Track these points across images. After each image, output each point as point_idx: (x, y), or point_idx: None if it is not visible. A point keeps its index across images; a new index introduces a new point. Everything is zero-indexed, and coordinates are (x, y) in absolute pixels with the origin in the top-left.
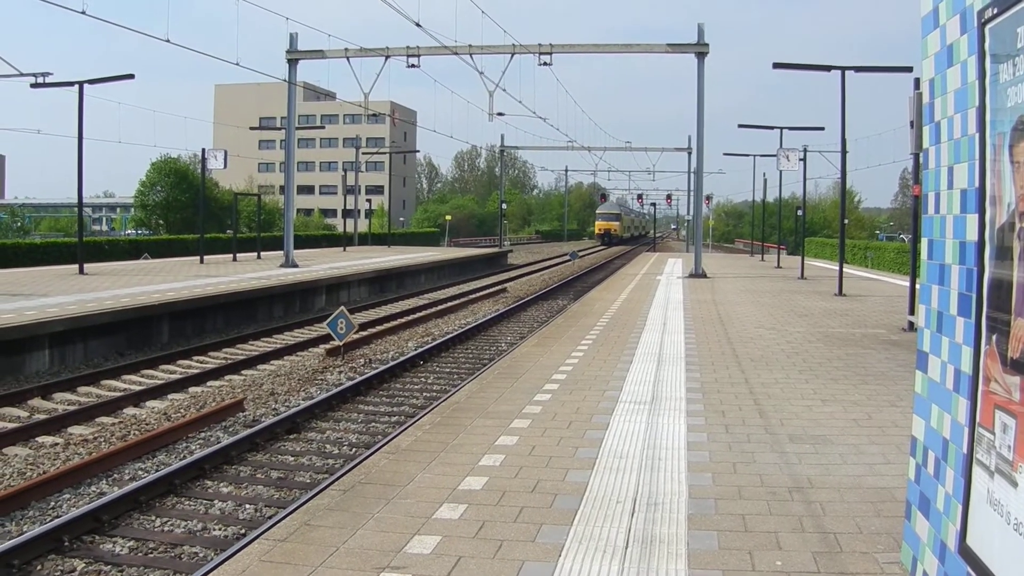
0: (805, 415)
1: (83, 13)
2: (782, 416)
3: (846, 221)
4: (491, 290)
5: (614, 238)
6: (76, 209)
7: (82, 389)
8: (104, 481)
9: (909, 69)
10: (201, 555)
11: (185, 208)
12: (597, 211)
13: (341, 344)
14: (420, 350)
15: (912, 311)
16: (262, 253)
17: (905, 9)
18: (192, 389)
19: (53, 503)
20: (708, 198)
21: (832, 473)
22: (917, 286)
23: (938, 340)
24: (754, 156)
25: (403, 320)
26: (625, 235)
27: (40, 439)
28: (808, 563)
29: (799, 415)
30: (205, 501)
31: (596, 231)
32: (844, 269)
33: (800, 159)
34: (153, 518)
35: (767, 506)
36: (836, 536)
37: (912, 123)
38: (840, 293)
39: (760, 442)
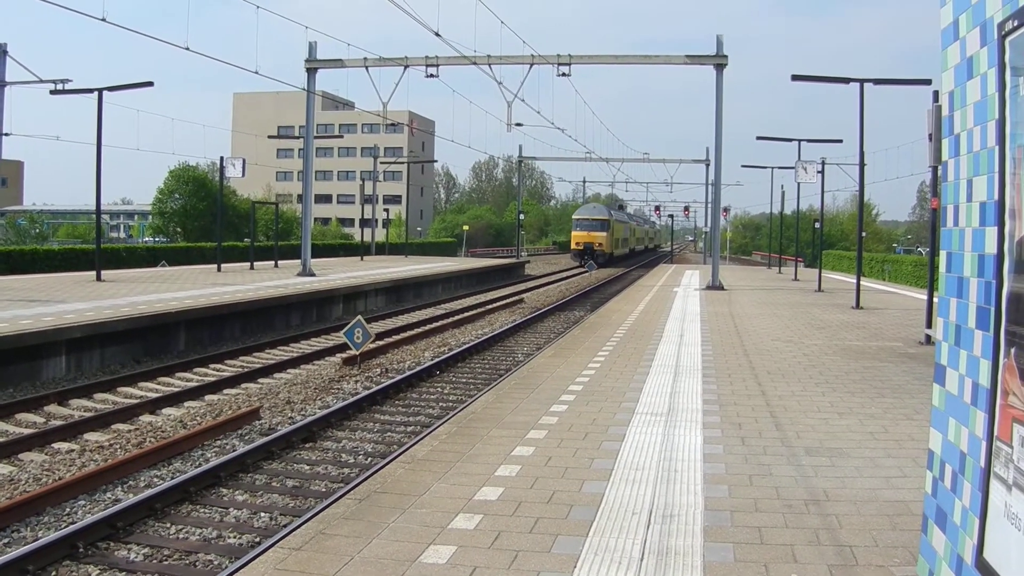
0: (821, 428)
1: (103, 20)
2: (798, 428)
3: (864, 234)
4: (508, 300)
5: (599, 256)
6: (94, 216)
7: (98, 396)
8: (120, 488)
9: (928, 82)
10: (216, 563)
11: (203, 216)
12: (574, 216)
13: (358, 353)
14: (437, 360)
15: (929, 324)
16: (279, 262)
17: (925, 23)
18: (208, 397)
19: (68, 509)
20: (726, 210)
21: (848, 486)
22: (935, 299)
23: (956, 353)
24: (772, 168)
25: (420, 330)
26: (619, 251)
27: (56, 445)
28: None
29: (815, 428)
30: (220, 509)
31: (572, 245)
32: (861, 282)
33: (818, 171)
34: (168, 525)
35: (783, 519)
36: (852, 549)
37: (930, 136)
38: (857, 306)
39: (776, 454)
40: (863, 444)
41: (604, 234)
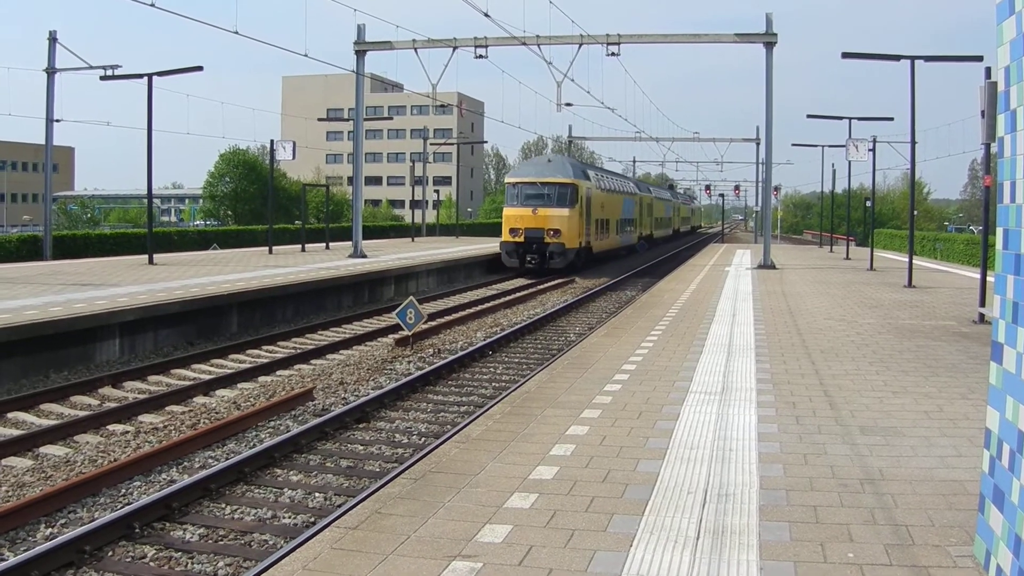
0: (876, 407)
1: (152, 5)
2: (853, 408)
3: (915, 212)
4: (559, 280)
5: (556, 254)
6: (145, 200)
7: (152, 378)
8: (174, 469)
9: (980, 58)
10: (271, 542)
11: (253, 199)
12: (507, 180)
13: (410, 334)
14: (489, 340)
15: (983, 303)
16: (330, 244)
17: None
18: (262, 378)
19: (124, 490)
20: (776, 189)
21: (903, 465)
22: (989, 277)
23: (1013, 331)
24: (823, 147)
25: (471, 310)
26: (604, 244)
27: (111, 427)
28: (880, 555)
29: (870, 407)
30: (275, 489)
31: (504, 235)
32: (913, 260)
33: (869, 150)
34: (223, 506)
35: (838, 498)
36: (908, 529)
37: (983, 112)
38: (910, 285)
39: (831, 433)
40: (918, 423)
41: (565, 212)
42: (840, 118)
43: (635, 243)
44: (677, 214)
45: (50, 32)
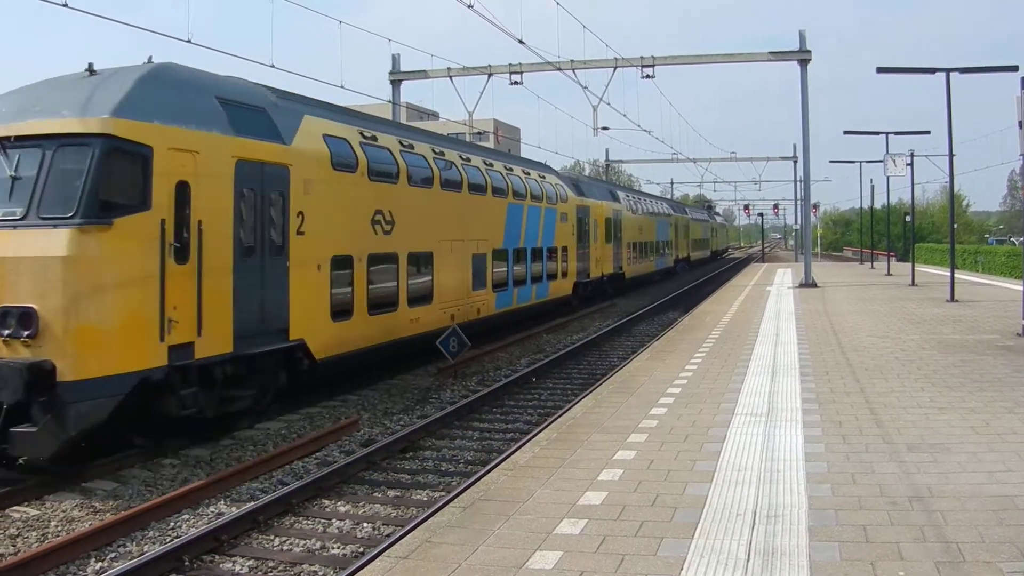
0: (922, 423)
1: (188, 42)
2: (899, 425)
3: (955, 225)
4: (600, 305)
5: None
6: None
7: None
8: (222, 501)
9: (1015, 68)
10: (321, 573)
11: None
12: None
13: (453, 362)
14: (532, 367)
15: None
16: None
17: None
18: (306, 409)
19: (173, 523)
20: (815, 206)
21: (952, 482)
22: None
23: None
24: (860, 163)
25: (514, 337)
26: (430, 315)
27: (158, 461)
28: (931, 573)
29: (916, 423)
30: (323, 520)
31: None
32: (955, 274)
33: (907, 164)
34: (272, 537)
35: (887, 516)
36: (958, 545)
37: (1020, 123)
38: (952, 299)
39: (878, 452)
40: (965, 439)
41: (62, 238)
42: (877, 133)
43: (570, 296)
44: (684, 236)
45: (88, 65)
